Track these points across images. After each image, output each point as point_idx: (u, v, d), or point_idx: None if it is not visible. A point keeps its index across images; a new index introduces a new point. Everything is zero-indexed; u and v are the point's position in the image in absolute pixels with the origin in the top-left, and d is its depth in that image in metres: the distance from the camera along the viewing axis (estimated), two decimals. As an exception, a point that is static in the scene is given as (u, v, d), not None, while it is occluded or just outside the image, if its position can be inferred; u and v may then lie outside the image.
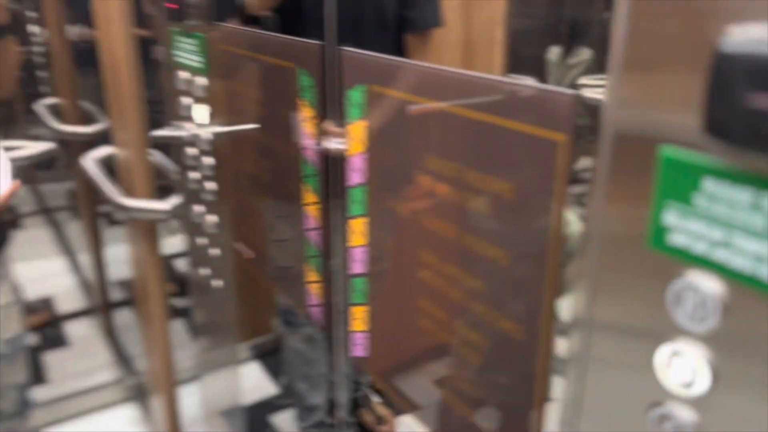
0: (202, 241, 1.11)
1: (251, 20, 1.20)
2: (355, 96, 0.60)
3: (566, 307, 0.46)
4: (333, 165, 0.67)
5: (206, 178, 1.04)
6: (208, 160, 1.02)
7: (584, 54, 2.56)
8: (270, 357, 2.30)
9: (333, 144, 0.66)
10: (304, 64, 0.68)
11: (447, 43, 1.91)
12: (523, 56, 2.42)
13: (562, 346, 0.47)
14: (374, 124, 0.59)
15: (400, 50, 1.48)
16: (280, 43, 0.72)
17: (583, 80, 2.33)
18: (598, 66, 2.36)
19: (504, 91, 0.44)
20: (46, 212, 3.54)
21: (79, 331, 2.51)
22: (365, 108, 0.59)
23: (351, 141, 0.62)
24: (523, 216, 0.44)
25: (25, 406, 1.49)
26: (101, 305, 2.47)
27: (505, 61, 2.01)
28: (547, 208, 0.41)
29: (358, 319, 0.68)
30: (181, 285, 2.40)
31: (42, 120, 2.16)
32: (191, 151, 1.07)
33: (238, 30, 0.85)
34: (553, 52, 2.54)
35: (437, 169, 0.52)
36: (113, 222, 2.62)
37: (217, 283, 1.07)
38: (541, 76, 2.44)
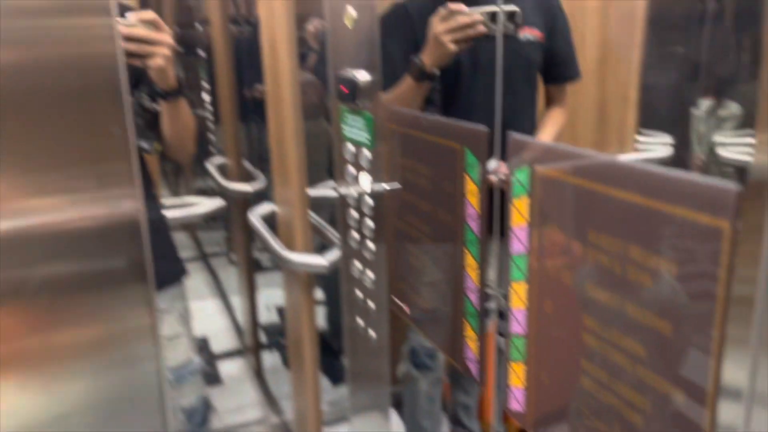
0: (359, 294, 1.22)
1: (425, 76, 1.33)
2: (520, 175, 0.68)
3: (728, 376, 0.50)
4: (494, 229, 0.76)
5: (366, 237, 1.15)
6: (370, 222, 1.13)
7: (732, 108, 2.48)
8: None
9: (498, 177, 0.73)
10: (470, 145, 0.77)
11: (582, 95, 1.97)
12: (660, 112, 2.40)
13: (725, 414, 0.50)
14: (537, 201, 0.66)
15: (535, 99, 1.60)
16: (447, 126, 0.81)
17: (722, 137, 2.26)
18: (745, 122, 2.29)
19: (667, 180, 0.50)
20: (204, 257, 3.90)
21: (231, 369, 2.73)
22: (529, 186, 0.67)
23: (515, 215, 0.70)
24: (689, 293, 0.49)
25: (199, 425, 1.67)
26: (251, 346, 2.68)
27: (639, 117, 2.03)
28: (712, 291, 0.46)
29: (516, 375, 0.74)
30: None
31: (212, 177, 2.43)
32: (353, 212, 1.18)
33: (405, 112, 0.96)
34: (702, 106, 2.48)
35: (598, 243, 0.58)
36: (261, 269, 2.86)
37: (372, 333, 1.16)
38: (678, 132, 2.39)
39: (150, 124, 1.45)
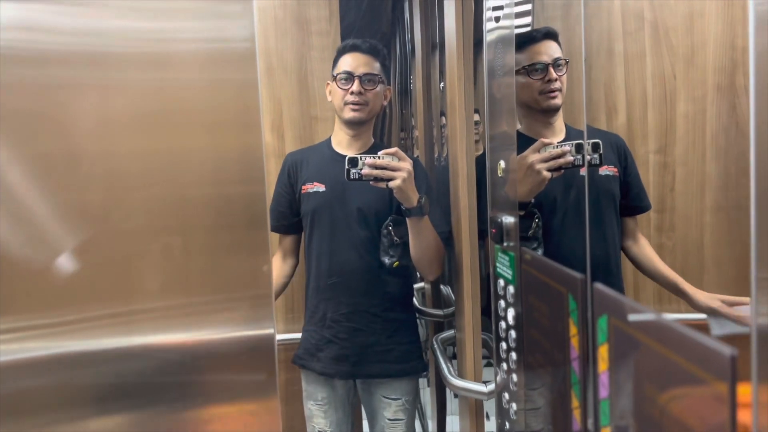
0: (506, 425, 1.25)
1: (521, 206, 1.41)
2: (601, 323, 0.71)
3: None
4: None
5: (510, 371, 1.20)
6: (513, 355, 1.18)
7: None
8: None
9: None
10: (571, 290, 0.82)
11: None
12: None
13: None
14: (613, 350, 0.69)
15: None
16: (553, 268, 0.87)
17: None
18: None
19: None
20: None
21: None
22: (607, 334, 0.70)
23: (600, 361, 0.72)
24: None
25: None
26: (439, 471, 2.69)
27: None
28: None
29: None
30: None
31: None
32: (503, 345, 1.24)
33: (529, 253, 1.03)
34: None
35: (651, 396, 0.59)
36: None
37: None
38: None
39: (393, 243, 1.77)
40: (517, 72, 1.46)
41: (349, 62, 1.81)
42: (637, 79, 1.35)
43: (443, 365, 1.74)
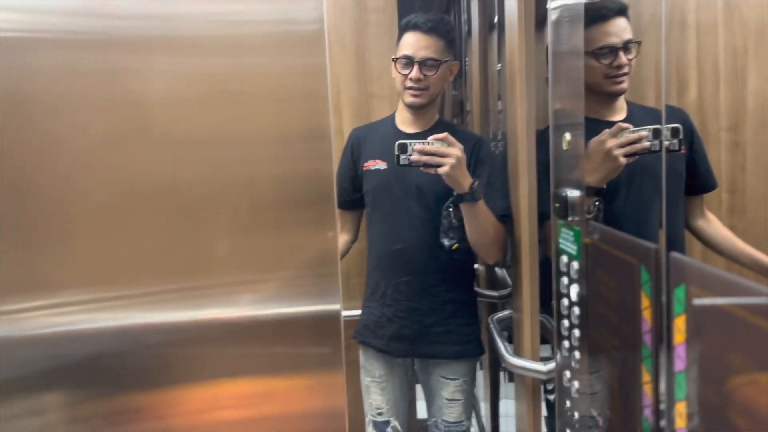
0: (567, 404, 1.24)
1: (593, 192, 1.38)
2: (678, 293, 0.70)
3: None
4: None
5: (573, 348, 1.19)
6: (576, 332, 1.17)
7: None
8: None
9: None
10: (643, 261, 0.81)
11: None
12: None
13: None
14: (691, 321, 0.68)
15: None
16: (625, 240, 0.86)
17: None
18: None
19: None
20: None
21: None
22: (685, 304, 0.69)
23: (676, 333, 0.71)
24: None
25: None
26: (491, 452, 2.69)
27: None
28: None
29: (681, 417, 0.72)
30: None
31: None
32: (564, 323, 1.23)
33: (596, 226, 1.02)
34: None
35: (740, 366, 0.58)
36: (510, 378, 2.89)
37: (577, 446, 1.17)
38: None
39: (453, 225, 1.76)
40: (585, 53, 1.42)
41: (410, 43, 1.78)
42: (709, 53, 1.31)
43: (500, 344, 1.74)
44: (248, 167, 0.78)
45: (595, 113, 1.49)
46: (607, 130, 1.35)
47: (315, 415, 0.81)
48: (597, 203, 1.40)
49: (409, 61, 1.77)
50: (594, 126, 1.35)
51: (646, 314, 0.80)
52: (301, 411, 0.81)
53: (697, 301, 0.66)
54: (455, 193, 1.66)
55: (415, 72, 1.75)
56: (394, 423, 1.99)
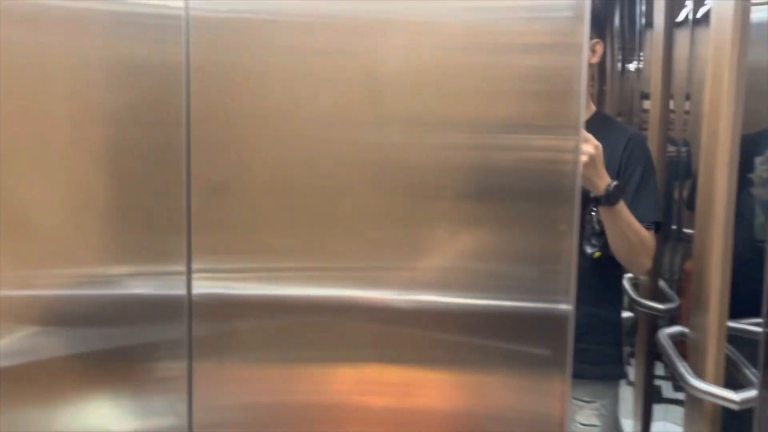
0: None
1: None
2: None
3: None
4: None
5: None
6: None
7: None
8: None
9: None
10: None
11: None
12: None
13: None
14: None
15: None
16: None
17: None
18: None
19: None
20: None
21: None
22: None
23: None
24: None
25: None
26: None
27: None
28: None
29: None
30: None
31: (626, 293, 2.46)
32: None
33: None
34: None
35: None
36: (660, 398, 2.70)
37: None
38: None
39: (596, 231, 1.61)
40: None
41: None
42: None
43: (678, 365, 1.60)
44: (481, 152, 0.75)
45: None
46: None
47: (526, 420, 0.77)
48: None
49: None
50: None
51: None
52: (513, 412, 0.77)
53: None
54: (591, 195, 1.49)
55: None
56: None
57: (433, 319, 0.79)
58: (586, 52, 0.70)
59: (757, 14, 1.32)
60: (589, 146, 1.41)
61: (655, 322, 2.37)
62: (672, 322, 2.18)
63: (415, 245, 0.76)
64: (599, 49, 1.65)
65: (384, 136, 0.75)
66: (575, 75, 0.70)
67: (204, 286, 0.78)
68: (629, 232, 1.53)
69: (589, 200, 1.59)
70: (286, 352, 0.80)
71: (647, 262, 1.63)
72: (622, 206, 1.50)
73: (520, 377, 0.78)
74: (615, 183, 1.46)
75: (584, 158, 1.41)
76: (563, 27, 0.72)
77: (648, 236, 1.58)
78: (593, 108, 1.72)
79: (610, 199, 1.46)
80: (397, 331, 0.77)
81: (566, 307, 0.73)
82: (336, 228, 0.78)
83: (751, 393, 1.36)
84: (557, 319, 0.74)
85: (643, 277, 2.50)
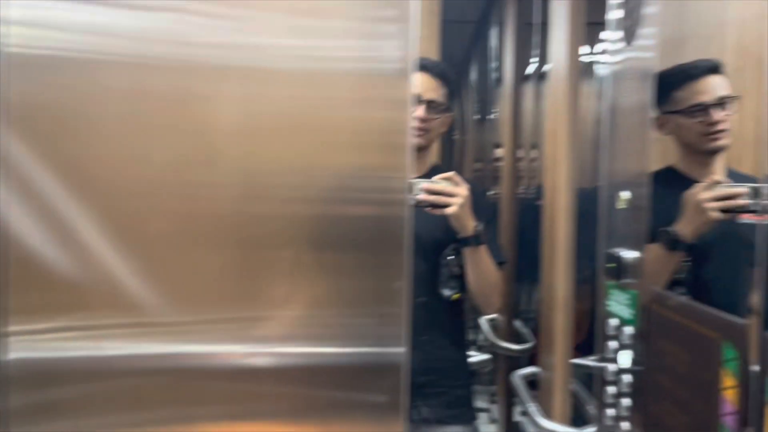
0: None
1: (679, 246, 1.31)
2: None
3: None
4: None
5: (621, 418, 1.13)
6: (626, 401, 1.11)
7: None
8: None
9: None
10: (729, 338, 0.75)
11: None
12: None
13: None
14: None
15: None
16: (705, 314, 0.81)
17: None
18: None
19: None
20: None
21: None
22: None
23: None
24: None
25: None
26: None
27: None
28: None
29: None
30: None
31: (484, 333, 2.54)
32: (611, 389, 1.17)
33: (668, 295, 0.97)
34: None
35: None
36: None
37: None
38: None
39: (454, 274, 1.66)
40: (676, 112, 1.39)
41: (418, 83, 1.66)
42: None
43: (529, 405, 1.67)
44: (318, 203, 0.74)
45: (691, 172, 1.46)
46: (700, 183, 1.32)
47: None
48: (687, 262, 1.33)
49: (416, 100, 1.67)
50: (688, 185, 1.33)
51: (729, 395, 0.75)
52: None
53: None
54: (459, 237, 1.56)
55: (421, 111, 1.65)
56: None
57: (270, 371, 0.76)
58: (410, 106, 0.73)
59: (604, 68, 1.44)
60: (463, 189, 1.48)
61: (516, 361, 2.46)
62: (531, 361, 2.28)
63: (251, 296, 0.74)
64: (448, 121, 1.74)
65: (220, 187, 0.73)
66: (403, 128, 0.72)
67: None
68: (489, 271, 1.61)
69: (443, 246, 1.66)
70: (117, 417, 0.73)
71: (500, 300, 1.74)
72: (484, 246, 1.57)
73: (361, 425, 0.77)
74: (481, 224, 1.53)
75: (460, 200, 1.46)
76: (392, 81, 0.74)
77: (500, 275, 1.66)
78: (435, 161, 1.79)
79: (478, 238, 1.53)
80: (234, 386, 0.74)
81: (400, 350, 0.73)
82: (167, 282, 0.73)
83: (591, 430, 1.43)
84: (392, 363, 0.74)
85: (500, 318, 2.60)
